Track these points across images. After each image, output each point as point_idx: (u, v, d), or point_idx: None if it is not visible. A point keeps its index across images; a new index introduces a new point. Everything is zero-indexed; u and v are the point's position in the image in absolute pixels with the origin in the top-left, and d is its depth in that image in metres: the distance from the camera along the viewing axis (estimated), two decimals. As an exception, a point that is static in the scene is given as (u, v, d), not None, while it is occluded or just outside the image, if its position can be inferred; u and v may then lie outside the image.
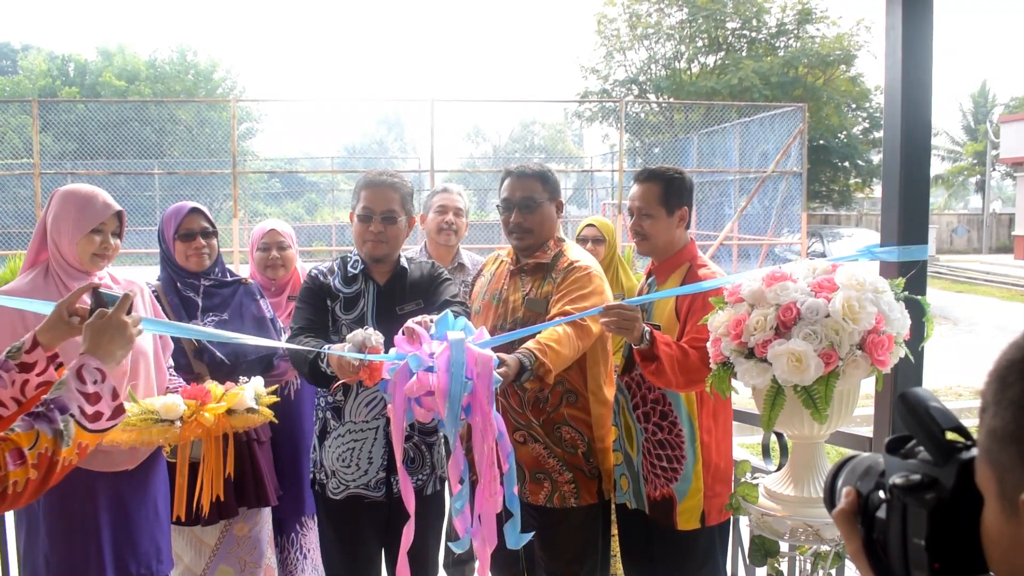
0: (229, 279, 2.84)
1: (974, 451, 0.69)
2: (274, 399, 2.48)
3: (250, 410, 2.38)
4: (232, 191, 12.22)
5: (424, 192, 11.06)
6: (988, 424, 0.66)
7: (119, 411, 1.56)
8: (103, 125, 15.83)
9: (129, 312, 1.67)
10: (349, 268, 2.57)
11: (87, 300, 1.75)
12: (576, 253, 2.66)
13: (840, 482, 0.87)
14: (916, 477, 0.72)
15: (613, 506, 2.80)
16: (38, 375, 1.69)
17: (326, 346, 2.30)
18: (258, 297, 2.87)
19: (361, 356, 2.07)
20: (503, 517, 2.10)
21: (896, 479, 0.73)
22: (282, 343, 2.50)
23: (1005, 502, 0.64)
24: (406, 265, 2.58)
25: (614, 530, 2.93)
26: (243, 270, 3.44)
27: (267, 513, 2.85)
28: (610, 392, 2.65)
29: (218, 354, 2.67)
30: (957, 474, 0.70)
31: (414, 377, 1.96)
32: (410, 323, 2.10)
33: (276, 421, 2.52)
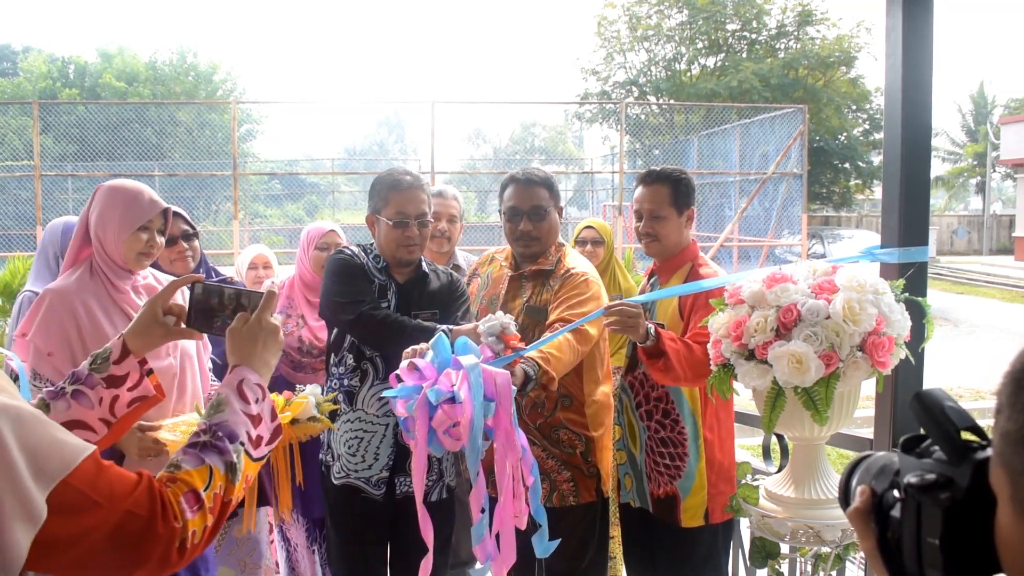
0: (216, 280, 2.83)
1: (989, 451, 0.69)
2: (332, 407, 2.43)
3: (312, 419, 2.34)
4: (232, 193, 12.22)
5: (424, 194, 10.99)
6: (1002, 427, 0.65)
7: (277, 433, 1.32)
8: (103, 127, 15.82)
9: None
10: (371, 260, 2.57)
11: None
12: (573, 259, 2.66)
13: (855, 481, 0.87)
14: (931, 476, 0.72)
15: (612, 507, 2.81)
16: (130, 389, 1.41)
17: (446, 326, 2.34)
18: None
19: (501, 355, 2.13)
20: (530, 530, 2.11)
21: (911, 478, 0.73)
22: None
23: (1018, 505, 0.64)
24: (427, 270, 2.59)
25: (613, 532, 2.93)
26: (229, 271, 3.43)
27: (264, 513, 2.84)
28: (605, 392, 2.66)
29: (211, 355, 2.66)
30: (972, 474, 0.69)
31: (438, 410, 1.94)
32: (410, 358, 2.09)
33: (335, 428, 2.50)
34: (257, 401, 1.28)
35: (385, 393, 2.12)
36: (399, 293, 2.52)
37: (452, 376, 1.99)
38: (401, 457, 2.49)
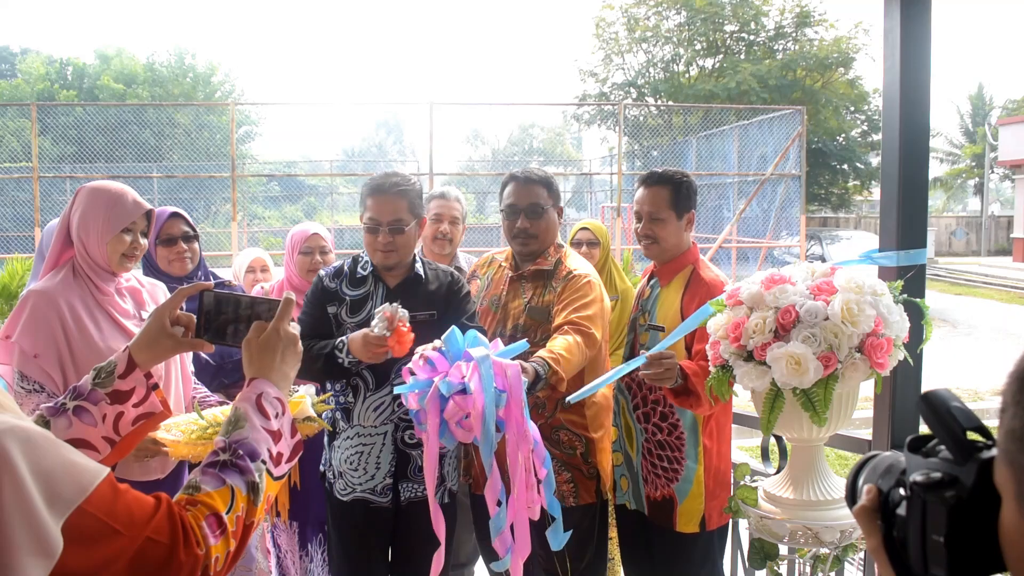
0: (214, 283, 2.82)
1: (994, 451, 0.69)
2: (327, 407, 2.41)
3: (308, 419, 2.30)
4: (231, 194, 12.22)
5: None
6: (1007, 425, 0.66)
7: (297, 449, 1.26)
8: (101, 128, 15.81)
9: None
10: (358, 269, 2.55)
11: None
12: (574, 261, 2.67)
13: (861, 480, 0.88)
14: (937, 475, 0.72)
15: (611, 508, 2.80)
16: (136, 405, 1.32)
17: (345, 336, 2.34)
18: None
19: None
20: (546, 523, 2.12)
21: (917, 476, 0.74)
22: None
23: (1022, 502, 0.64)
24: (421, 272, 2.55)
25: (612, 533, 2.93)
26: (226, 273, 3.42)
27: None
28: (605, 394, 2.66)
29: (203, 356, 2.65)
30: (977, 473, 0.70)
31: (449, 401, 1.95)
32: (424, 351, 2.08)
33: (331, 428, 2.49)
34: (277, 416, 1.21)
35: (397, 389, 2.12)
36: (388, 297, 2.49)
37: (463, 368, 2.00)
38: (402, 463, 2.49)
